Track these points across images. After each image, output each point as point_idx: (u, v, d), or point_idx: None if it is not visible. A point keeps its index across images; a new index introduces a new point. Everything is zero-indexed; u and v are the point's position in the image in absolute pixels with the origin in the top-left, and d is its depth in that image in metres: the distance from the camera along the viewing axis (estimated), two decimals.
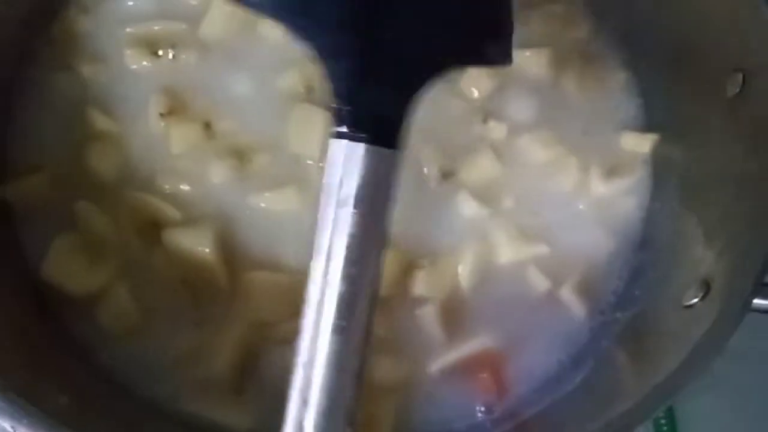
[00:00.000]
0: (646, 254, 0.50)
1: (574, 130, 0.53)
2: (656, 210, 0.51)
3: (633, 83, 0.55)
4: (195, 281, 0.45)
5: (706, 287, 0.39)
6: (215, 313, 0.45)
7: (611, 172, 0.51)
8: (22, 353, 0.39)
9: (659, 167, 0.52)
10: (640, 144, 0.53)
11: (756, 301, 0.36)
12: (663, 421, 0.58)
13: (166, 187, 0.48)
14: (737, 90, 0.44)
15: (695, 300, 0.39)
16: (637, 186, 0.52)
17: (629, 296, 0.48)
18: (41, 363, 0.40)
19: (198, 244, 0.45)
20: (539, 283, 0.48)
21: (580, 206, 0.51)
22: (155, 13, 0.53)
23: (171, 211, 0.46)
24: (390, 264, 0.45)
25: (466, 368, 0.45)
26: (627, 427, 0.34)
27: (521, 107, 0.52)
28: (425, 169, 0.49)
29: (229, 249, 0.46)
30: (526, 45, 0.54)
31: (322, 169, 0.48)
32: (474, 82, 0.51)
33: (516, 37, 0.54)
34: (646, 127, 0.54)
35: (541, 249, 0.48)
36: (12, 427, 0.29)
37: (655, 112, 0.54)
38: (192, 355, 0.43)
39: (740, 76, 0.44)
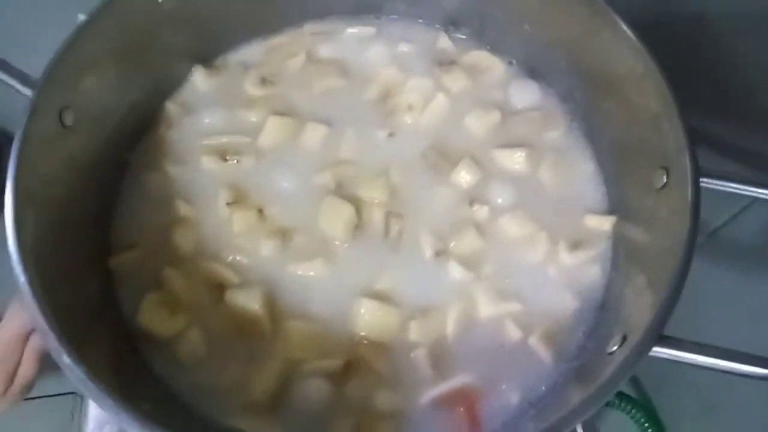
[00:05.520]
0: (602, 314, 0.60)
1: (546, 211, 0.65)
2: (614, 277, 0.62)
3: (598, 173, 0.68)
4: (247, 328, 0.59)
5: (624, 339, 0.50)
6: (260, 351, 0.58)
7: (576, 245, 0.63)
8: (116, 378, 0.51)
9: (618, 242, 0.64)
10: (601, 223, 0.64)
11: (656, 348, 0.47)
12: None
13: (229, 258, 0.63)
14: (663, 183, 0.56)
15: (615, 348, 0.51)
16: (599, 257, 0.63)
17: (585, 347, 0.58)
18: (129, 384, 0.52)
19: (250, 302, 0.59)
20: (513, 333, 0.59)
21: (550, 273, 0.62)
22: (224, 128, 0.70)
23: (232, 276, 0.61)
24: (391, 317, 0.59)
25: (449, 401, 0.55)
26: (562, 425, 0.45)
27: (501, 194, 0.65)
28: (422, 248, 0.62)
29: (272, 304, 0.60)
30: (507, 145, 0.68)
31: (344, 247, 0.63)
32: (462, 175, 0.66)
33: (500, 138, 0.69)
34: (609, 210, 0.66)
35: (515, 306, 0.60)
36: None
37: (614, 197, 0.66)
38: (241, 383, 0.56)
39: (664, 172, 0.56)
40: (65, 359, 0.45)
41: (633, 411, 0.71)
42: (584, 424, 0.72)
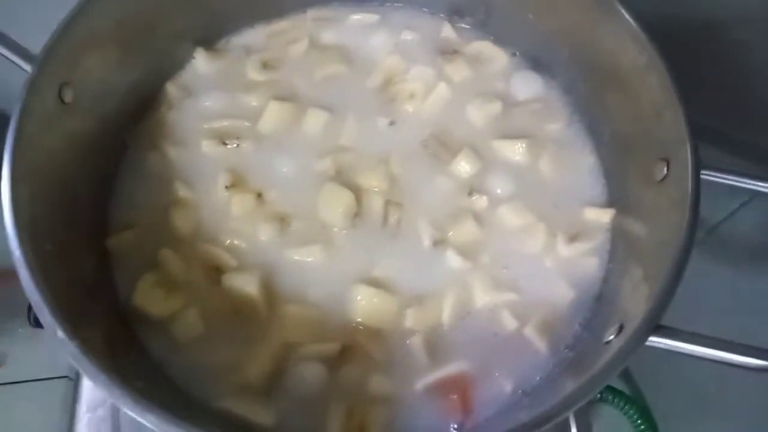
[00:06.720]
0: (598, 305, 0.60)
1: (545, 203, 0.65)
2: (612, 269, 0.62)
3: (598, 166, 0.68)
4: (243, 310, 0.59)
5: (620, 328, 0.50)
6: (256, 334, 0.58)
7: (574, 237, 0.63)
8: (110, 357, 0.51)
9: (617, 234, 0.64)
10: (600, 216, 0.64)
11: (652, 338, 0.47)
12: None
13: (227, 241, 0.62)
14: (663, 175, 0.56)
15: (612, 337, 0.50)
16: (597, 249, 0.63)
17: (581, 338, 0.58)
18: (123, 364, 0.52)
19: (247, 285, 0.58)
20: (508, 323, 0.59)
21: (547, 264, 0.62)
22: (225, 111, 0.70)
23: (229, 260, 0.61)
24: (387, 304, 0.59)
25: (443, 388, 0.55)
26: (553, 416, 0.44)
27: (500, 184, 0.65)
28: (421, 236, 0.62)
29: (269, 288, 0.60)
30: (507, 135, 0.68)
31: (342, 234, 0.62)
32: (462, 165, 0.65)
33: (501, 129, 0.69)
34: (608, 202, 0.66)
35: (511, 296, 0.60)
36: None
37: (614, 190, 0.66)
38: (235, 365, 0.56)
39: (665, 164, 0.56)
40: (59, 334, 0.44)
41: (626, 407, 0.72)
42: (578, 420, 0.72)
